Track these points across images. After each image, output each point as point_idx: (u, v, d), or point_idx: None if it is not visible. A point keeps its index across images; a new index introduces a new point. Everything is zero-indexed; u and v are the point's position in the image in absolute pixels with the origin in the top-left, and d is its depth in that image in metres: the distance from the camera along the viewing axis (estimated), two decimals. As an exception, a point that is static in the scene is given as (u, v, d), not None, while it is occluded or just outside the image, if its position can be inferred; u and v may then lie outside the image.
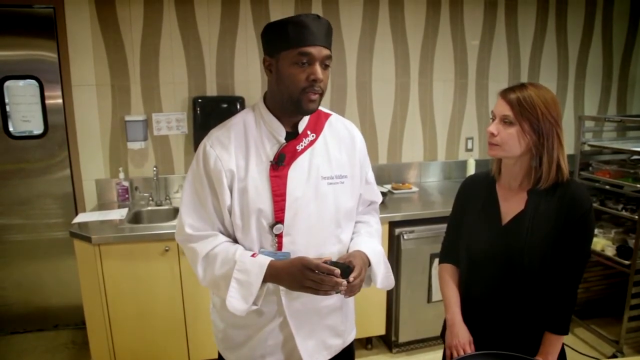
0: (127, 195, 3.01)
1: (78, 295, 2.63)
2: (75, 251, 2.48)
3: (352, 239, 1.47)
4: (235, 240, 1.38)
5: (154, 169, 2.99)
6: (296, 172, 1.33)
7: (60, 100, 2.94)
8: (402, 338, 2.96)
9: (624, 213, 2.83)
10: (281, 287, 1.35)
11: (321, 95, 1.29)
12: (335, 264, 1.25)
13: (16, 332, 3.19)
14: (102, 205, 3.00)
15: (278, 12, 3.12)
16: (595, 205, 2.99)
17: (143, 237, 2.48)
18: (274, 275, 1.27)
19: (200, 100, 3.02)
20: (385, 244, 2.84)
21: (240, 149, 1.33)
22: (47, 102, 2.95)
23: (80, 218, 2.71)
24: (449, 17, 3.45)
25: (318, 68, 1.24)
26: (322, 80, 1.25)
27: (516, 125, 1.35)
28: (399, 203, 3.07)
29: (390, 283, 1.47)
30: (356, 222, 1.53)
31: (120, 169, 3.01)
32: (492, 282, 1.45)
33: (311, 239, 1.35)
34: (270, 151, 1.33)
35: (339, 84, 3.33)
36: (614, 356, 2.83)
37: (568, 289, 1.39)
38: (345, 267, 1.25)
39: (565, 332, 1.40)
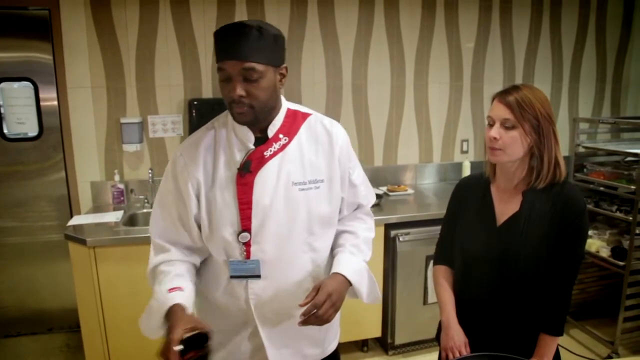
0: (122, 198, 3.00)
1: (73, 298, 2.62)
2: (70, 254, 2.47)
3: (335, 254, 1.42)
4: (200, 251, 1.37)
5: (150, 171, 2.99)
6: (263, 179, 1.29)
7: (55, 102, 2.93)
8: (398, 340, 2.96)
9: (618, 214, 2.85)
10: (251, 296, 1.34)
11: (252, 107, 1.22)
12: (194, 337, 1.13)
13: (10, 335, 3.17)
14: (97, 208, 2.99)
15: (274, 14, 3.12)
16: (589, 206, 3.00)
17: (138, 239, 2.47)
18: (170, 319, 1.19)
19: (195, 103, 3.02)
20: (381, 246, 2.84)
21: (209, 157, 1.31)
22: (42, 104, 2.94)
23: (75, 220, 2.70)
24: (444, 20, 3.47)
25: (236, 85, 1.18)
26: (240, 96, 1.19)
27: (518, 128, 1.34)
28: (395, 205, 3.08)
29: (376, 297, 1.45)
30: (343, 232, 1.47)
31: (116, 171, 3.00)
32: (488, 283, 1.45)
33: (281, 247, 1.32)
34: (239, 158, 1.30)
35: (334, 87, 3.34)
36: (609, 357, 2.84)
37: (563, 290, 1.40)
38: (199, 337, 1.13)
39: (559, 333, 1.40)
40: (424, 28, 3.44)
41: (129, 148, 2.97)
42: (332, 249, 1.46)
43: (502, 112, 1.35)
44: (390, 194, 3.29)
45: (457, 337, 1.47)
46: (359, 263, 1.41)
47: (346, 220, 1.50)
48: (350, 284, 1.35)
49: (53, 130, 2.98)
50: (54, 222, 3.09)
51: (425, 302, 2.93)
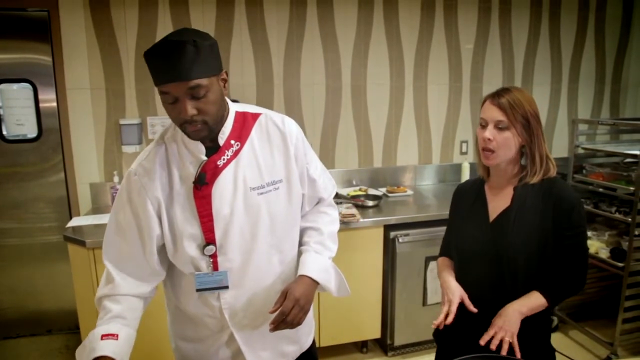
0: (121, 199, 3.00)
1: (72, 300, 2.62)
2: (69, 255, 2.47)
3: (301, 253, 1.42)
4: (155, 275, 1.35)
5: (149, 172, 2.98)
6: (220, 189, 1.27)
7: (54, 104, 2.93)
8: (398, 341, 2.96)
9: (617, 216, 2.85)
10: (224, 306, 1.34)
11: (206, 123, 1.19)
12: None
13: (9, 337, 3.17)
14: (96, 209, 2.98)
15: (273, 15, 3.12)
16: (588, 207, 3.01)
17: (137, 241, 2.46)
18: None
19: (195, 104, 3.01)
20: (380, 247, 2.84)
21: (164, 174, 1.28)
22: (41, 105, 2.94)
23: (75, 222, 2.69)
24: (443, 21, 3.47)
25: (185, 105, 1.14)
26: (192, 115, 1.15)
27: (511, 129, 1.39)
28: (394, 206, 3.08)
29: (346, 292, 1.46)
30: (307, 228, 1.47)
31: (115, 172, 3.00)
32: (485, 281, 1.46)
33: (247, 254, 1.32)
34: (193, 171, 1.27)
35: (333, 88, 3.34)
36: (609, 358, 2.84)
37: (577, 271, 1.42)
38: None
39: (551, 303, 1.41)
40: (423, 29, 3.45)
41: (128, 149, 2.97)
42: (298, 246, 1.46)
43: (495, 113, 1.40)
44: (390, 195, 3.29)
45: (455, 290, 1.45)
46: (324, 262, 1.41)
47: (309, 216, 1.49)
48: (317, 283, 1.36)
49: (52, 132, 2.98)
50: (53, 224, 3.08)
51: (424, 303, 2.93)
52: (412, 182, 3.62)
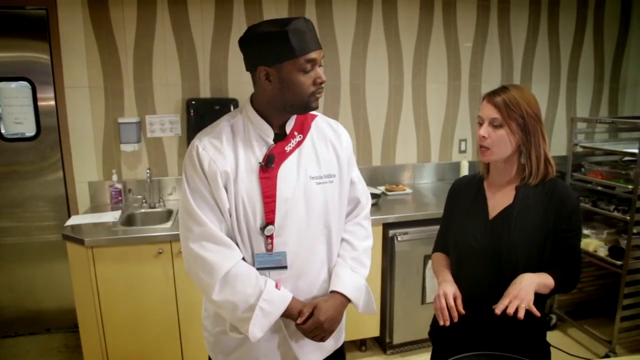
0: (120, 198, 3.00)
1: (71, 299, 2.62)
2: (68, 254, 2.47)
3: (335, 266, 1.46)
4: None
5: (148, 171, 2.98)
6: (285, 173, 1.34)
7: (52, 102, 2.93)
8: (397, 339, 2.96)
9: (615, 214, 2.85)
10: None
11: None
12: None
13: (8, 335, 3.17)
14: (95, 208, 2.98)
15: (272, 14, 3.12)
16: (587, 206, 3.01)
17: (136, 239, 2.47)
18: (291, 310, 1.33)
19: (193, 102, 3.02)
20: (379, 245, 2.84)
21: (230, 152, 1.32)
22: (40, 104, 2.93)
23: (73, 221, 2.69)
24: (442, 20, 3.47)
25: (321, 71, 1.29)
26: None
27: (505, 127, 1.41)
28: (393, 205, 3.08)
29: (372, 310, 1.53)
30: (342, 240, 1.50)
31: (114, 171, 2.99)
32: (483, 279, 1.46)
33: (301, 239, 1.37)
34: (259, 153, 1.33)
35: (332, 86, 3.34)
36: (607, 356, 2.85)
37: (572, 270, 1.44)
38: None
39: (555, 289, 1.41)
40: (422, 28, 3.45)
41: (126, 148, 2.97)
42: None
43: (490, 111, 1.43)
44: (388, 193, 3.29)
45: (448, 287, 1.45)
46: (358, 280, 1.47)
47: (347, 226, 1.54)
48: (349, 300, 1.43)
49: (51, 130, 2.98)
50: (51, 222, 3.08)
51: (423, 301, 2.94)
52: (410, 180, 3.63)
